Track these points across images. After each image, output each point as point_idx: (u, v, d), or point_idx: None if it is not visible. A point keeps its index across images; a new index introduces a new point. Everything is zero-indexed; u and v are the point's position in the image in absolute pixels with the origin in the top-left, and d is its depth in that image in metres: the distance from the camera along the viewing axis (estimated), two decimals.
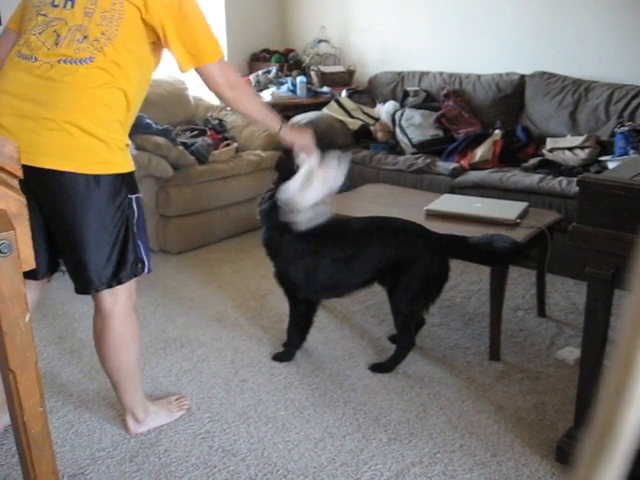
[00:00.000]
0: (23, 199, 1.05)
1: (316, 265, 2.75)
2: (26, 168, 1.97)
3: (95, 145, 2.02)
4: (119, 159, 2.11)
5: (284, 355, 3.00)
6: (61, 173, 1.99)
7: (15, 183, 1.03)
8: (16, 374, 1.06)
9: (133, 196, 2.18)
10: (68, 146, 1.99)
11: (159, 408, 2.54)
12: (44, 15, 2.09)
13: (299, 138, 2.56)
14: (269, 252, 2.87)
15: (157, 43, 2.15)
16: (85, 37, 2.02)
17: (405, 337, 2.90)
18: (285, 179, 2.64)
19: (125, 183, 2.14)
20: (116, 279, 2.17)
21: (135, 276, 2.23)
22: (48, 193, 2.03)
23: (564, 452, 2.25)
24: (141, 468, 2.30)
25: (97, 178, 2.04)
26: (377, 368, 2.89)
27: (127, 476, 2.26)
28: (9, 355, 1.05)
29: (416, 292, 2.80)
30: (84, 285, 2.17)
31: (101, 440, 2.46)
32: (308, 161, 2.55)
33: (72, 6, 2.06)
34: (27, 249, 1.04)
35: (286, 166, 2.68)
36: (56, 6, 2.08)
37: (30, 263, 1.05)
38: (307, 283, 2.81)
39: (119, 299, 2.23)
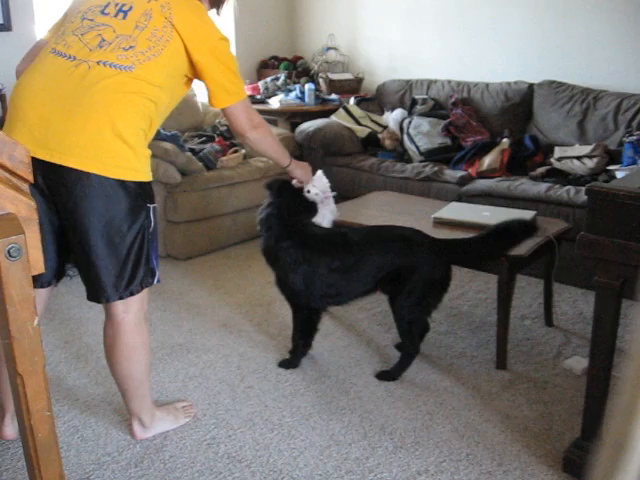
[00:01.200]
0: (33, 203, 1.05)
1: (313, 274, 2.78)
2: (52, 166, 1.98)
3: (124, 150, 2.03)
4: (144, 167, 2.12)
5: (290, 362, 3.00)
6: (87, 174, 1.99)
7: (26, 187, 1.04)
8: (24, 378, 1.06)
9: (151, 206, 2.19)
10: (98, 148, 2.00)
11: (165, 414, 2.54)
12: (90, 20, 2.11)
13: (303, 174, 2.80)
14: (268, 260, 2.91)
15: (190, 77, 2.24)
16: (131, 47, 2.04)
17: (409, 344, 2.90)
18: (281, 195, 2.87)
19: (146, 192, 2.15)
20: (128, 290, 2.17)
21: (146, 287, 2.23)
22: (71, 194, 2.02)
23: (571, 462, 2.24)
24: (146, 474, 2.30)
25: (122, 183, 2.05)
26: (383, 376, 2.89)
27: None
28: (17, 359, 1.05)
29: (418, 299, 2.80)
30: (96, 293, 2.17)
31: (107, 445, 2.46)
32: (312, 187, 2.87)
33: (124, 17, 2.09)
34: (37, 253, 1.04)
35: (283, 187, 2.88)
36: (106, 14, 2.11)
37: (40, 267, 1.05)
38: (306, 291, 2.82)
39: (131, 308, 2.22)
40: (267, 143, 2.49)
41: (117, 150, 2.02)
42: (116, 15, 2.10)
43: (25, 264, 1.01)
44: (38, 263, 1.05)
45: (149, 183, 2.17)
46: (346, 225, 3.36)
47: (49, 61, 2.08)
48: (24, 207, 1.03)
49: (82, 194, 2.01)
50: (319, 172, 2.91)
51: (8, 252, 0.99)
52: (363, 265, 2.79)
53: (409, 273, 2.77)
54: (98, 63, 2.02)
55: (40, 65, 2.10)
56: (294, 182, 2.84)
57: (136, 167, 2.08)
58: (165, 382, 2.87)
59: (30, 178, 1.03)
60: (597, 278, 2.02)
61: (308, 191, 2.85)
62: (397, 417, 2.61)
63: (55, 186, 2.02)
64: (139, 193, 2.10)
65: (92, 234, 2.06)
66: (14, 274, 1.00)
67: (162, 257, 4.20)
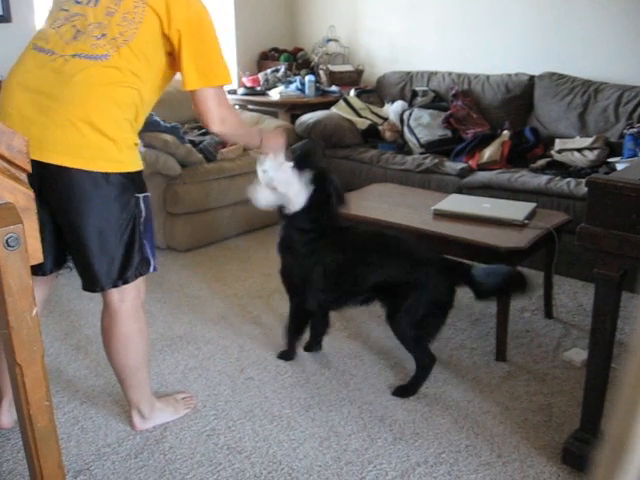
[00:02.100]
0: (31, 193, 1.05)
1: (314, 269, 2.72)
2: (35, 163, 1.98)
3: (104, 143, 2.02)
4: (127, 158, 2.10)
5: (286, 354, 2.99)
6: (69, 170, 1.99)
7: (24, 177, 1.03)
8: (23, 367, 1.06)
9: (141, 195, 2.18)
10: (77, 143, 1.99)
11: (165, 405, 2.54)
12: (66, 10, 2.09)
13: (276, 144, 2.64)
14: (280, 248, 2.84)
15: (174, 55, 2.14)
16: (104, 35, 2.02)
17: (420, 357, 2.74)
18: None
19: (133, 182, 2.14)
20: (122, 278, 2.17)
21: (141, 275, 2.23)
22: (55, 190, 2.03)
23: (570, 454, 2.24)
24: (146, 464, 2.30)
25: (105, 176, 2.04)
26: (400, 392, 2.73)
27: (132, 472, 2.27)
28: (16, 349, 1.05)
29: (418, 318, 2.65)
30: (90, 283, 2.18)
31: (107, 436, 2.46)
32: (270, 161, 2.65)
33: (95, 4, 2.06)
34: (35, 243, 1.04)
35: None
36: (79, 3, 2.08)
37: (38, 257, 1.05)
38: (306, 286, 2.77)
39: (127, 296, 2.23)
40: (234, 137, 2.49)
41: (97, 144, 2.01)
42: (88, 3, 2.07)
43: (23, 254, 1.00)
44: (36, 253, 1.05)
45: (138, 172, 2.16)
46: (345, 216, 3.36)
47: (30, 57, 2.08)
48: (22, 197, 1.03)
49: (65, 189, 2.02)
50: (281, 158, 2.66)
51: (6, 242, 0.98)
52: (359, 270, 2.70)
53: (410, 290, 2.64)
54: (73, 56, 2.01)
55: (22, 62, 2.10)
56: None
57: (119, 158, 2.06)
58: (165, 373, 2.87)
59: (28, 168, 1.03)
60: (597, 270, 2.02)
61: (263, 171, 2.67)
62: (396, 408, 2.62)
63: (41, 182, 2.02)
64: (125, 184, 2.09)
65: (81, 227, 2.06)
66: (12, 264, 1.00)
67: (162, 249, 4.20)
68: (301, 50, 6.00)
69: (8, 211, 1.00)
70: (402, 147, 4.71)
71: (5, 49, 4.19)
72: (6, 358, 1.08)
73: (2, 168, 1.01)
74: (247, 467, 2.29)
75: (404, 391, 2.72)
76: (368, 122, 4.99)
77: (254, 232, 4.63)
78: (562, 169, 4.05)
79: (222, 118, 2.22)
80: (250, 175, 4.55)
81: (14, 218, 0.99)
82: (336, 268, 2.71)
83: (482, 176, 4.11)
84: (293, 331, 2.96)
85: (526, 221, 3.06)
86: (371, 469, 2.28)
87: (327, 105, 5.18)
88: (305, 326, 2.97)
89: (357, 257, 2.71)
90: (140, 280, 2.24)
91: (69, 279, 3.87)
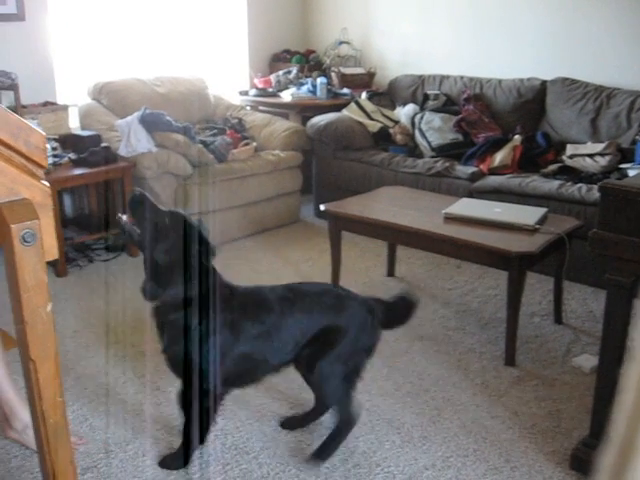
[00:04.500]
0: (48, 189, 1.05)
1: (230, 344, 2.18)
2: None
3: None
4: None
5: (172, 460, 2.32)
6: None
7: (40, 173, 1.04)
8: (36, 363, 1.07)
9: None
10: None
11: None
12: None
13: None
14: (158, 323, 2.25)
15: None
16: None
17: (349, 408, 2.33)
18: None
19: None
20: None
21: None
22: None
23: (579, 460, 2.24)
24: (153, 463, 2.31)
25: None
26: (317, 456, 2.33)
27: (140, 471, 2.27)
28: (30, 344, 1.06)
29: (345, 363, 2.28)
30: None
31: (115, 434, 2.47)
32: None
33: None
34: (50, 239, 1.05)
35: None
36: None
37: (53, 253, 1.06)
38: (213, 368, 2.17)
39: None
40: None
41: None
42: None
43: (39, 249, 1.01)
44: (52, 249, 1.05)
45: None
46: (355, 219, 3.37)
47: None
48: (39, 193, 1.03)
49: None
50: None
51: (23, 237, 0.99)
52: (286, 327, 2.24)
53: (337, 335, 2.25)
54: None
55: None
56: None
57: None
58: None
59: (45, 164, 1.03)
60: (609, 276, 2.01)
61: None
62: (405, 411, 2.61)
63: None
64: None
65: None
66: (28, 259, 1.00)
67: None
68: (313, 52, 6.00)
69: (25, 207, 1.01)
70: (413, 150, 4.71)
71: (19, 47, 4.23)
72: (20, 354, 1.08)
73: (19, 164, 1.02)
74: (254, 467, 2.29)
75: (321, 454, 2.32)
76: (379, 125, 4.99)
77: (264, 233, 4.63)
78: (573, 174, 4.04)
79: None
80: (260, 176, 4.59)
81: (31, 214, 1.00)
82: (259, 334, 2.22)
83: (493, 180, 4.10)
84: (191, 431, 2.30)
85: (537, 226, 3.05)
86: (379, 472, 2.28)
87: (338, 107, 5.18)
88: (210, 423, 2.31)
89: (279, 312, 2.24)
90: None
91: (79, 277, 3.88)
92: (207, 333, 2.13)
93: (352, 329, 2.26)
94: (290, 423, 2.53)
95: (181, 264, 2.13)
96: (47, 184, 1.05)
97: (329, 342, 2.24)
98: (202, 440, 2.29)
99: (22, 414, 2.32)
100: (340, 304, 2.29)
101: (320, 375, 2.26)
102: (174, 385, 2.49)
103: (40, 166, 1.03)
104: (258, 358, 2.24)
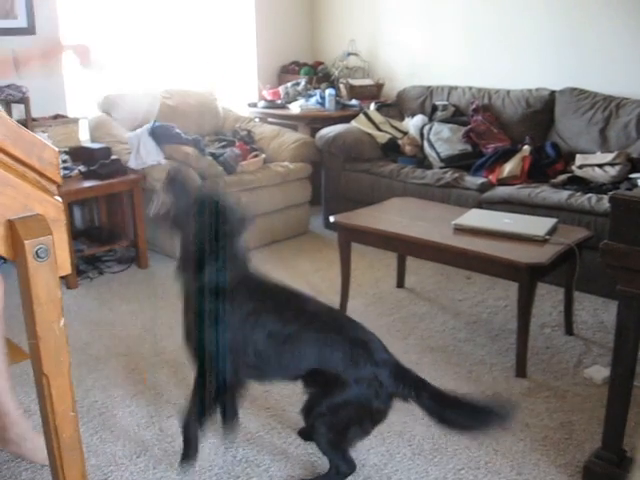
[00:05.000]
0: (61, 204, 1.06)
1: (249, 334, 2.14)
2: None
3: None
4: None
5: (185, 455, 2.33)
6: None
7: (54, 189, 1.05)
8: (49, 378, 1.07)
9: None
10: None
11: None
12: None
13: None
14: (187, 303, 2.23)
15: None
16: None
17: (338, 462, 2.21)
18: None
19: None
20: None
21: None
22: None
23: (592, 473, 2.22)
24: (164, 476, 2.31)
25: None
26: None
27: None
28: (43, 359, 1.06)
29: (346, 421, 2.13)
30: None
31: (125, 447, 2.47)
32: None
33: None
34: (64, 254, 1.05)
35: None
36: None
37: (66, 268, 1.06)
38: (232, 356, 2.14)
39: None
40: None
41: None
42: None
43: (53, 265, 1.02)
44: (65, 264, 1.06)
45: None
46: (365, 230, 3.36)
47: None
48: (52, 208, 1.04)
49: None
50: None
51: (36, 253, 1.00)
52: (300, 344, 2.14)
53: (339, 386, 2.10)
54: None
55: None
56: None
57: None
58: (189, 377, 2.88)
59: (58, 179, 1.04)
60: (620, 287, 2.00)
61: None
62: (415, 424, 2.60)
63: None
64: None
65: None
66: (42, 275, 1.01)
67: None
68: (321, 64, 6.02)
69: (38, 222, 1.02)
70: (422, 161, 4.71)
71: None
72: (33, 368, 1.09)
73: (33, 180, 1.03)
74: (282, 467, 2.29)
75: None
76: (388, 136, 5.00)
77: (273, 245, 4.64)
78: (583, 185, 4.03)
79: None
80: (270, 188, 4.59)
81: (44, 230, 1.01)
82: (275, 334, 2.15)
83: (502, 191, 4.10)
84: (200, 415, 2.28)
85: (547, 237, 3.05)
86: None
87: (347, 119, 5.20)
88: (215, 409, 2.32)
89: (300, 325, 2.16)
90: None
91: (88, 289, 3.90)
92: (229, 318, 2.10)
93: (359, 388, 2.08)
94: (307, 433, 2.43)
95: (211, 246, 2.09)
96: (60, 200, 1.06)
97: (329, 388, 2.11)
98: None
99: (20, 426, 2.33)
100: (357, 358, 2.11)
101: (312, 424, 2.16)
102: (185, 398, 2.48)
103: (53, 182, 1.04)
104: (271, 359, 2.16)
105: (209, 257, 2.10)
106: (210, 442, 2.48)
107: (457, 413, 2.08)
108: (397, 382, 2.11)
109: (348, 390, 2.08)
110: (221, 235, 2.11)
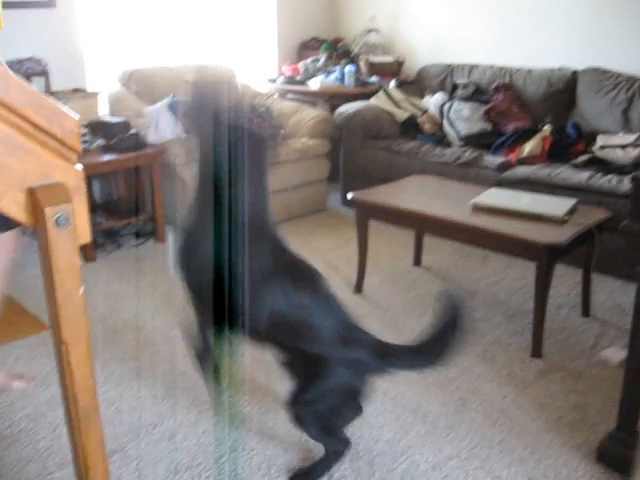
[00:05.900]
0: (81, 173, 1.06)
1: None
2: None
3: None
4: None
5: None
6: None
7: (74, 157, 1.05)
8: (68, 345, 1.08)
9: None
10: None
11: None
12: None
13: None
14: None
15: None
16: None
17: (332, 444, 2.20)
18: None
19: None
20: None
21: None
22: None
23: (606, 454, 2.22)
24: (179, 447, 2.33)
25: None
26: (297, 476, 2.21)
27: (165, 454, 2.29)
28: (62, 327, 1.07)
29: (335, 407, 2.12)
30: None
31: (141, 418, 2.49)
32: None
33: None
34: (83, 222, 1.06)
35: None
36: None
37: (86, 236, 1.07)
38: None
39: None
40: None
41: None
42: None
43: (72, 233, 1.02)
44: (85, 232, 1.06)
45: None
46: (383, 207, 3.36)
47: None
48: (72, 176, 1.04)
49: None
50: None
51: (56, 221, 1.00)
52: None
53: (327, 372, 2.05)
54: None
55: None
56: None
57: None
58: None
59: (78, 147, 1.04)
60: (639, 269, 1.99)
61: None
62: (430, 401, 2.61)
63: None
64: None
65: None
66: (61, 243, 1.01)
67: None
68: (341, 40, 5.98)
69: (58, 190, 1.02)
70: (441, 139, 4.68)
71: (50, 34, 4.26)
72: (53, 336, 1.10)
73: (54, 147, 1.03)
74: (279, 453, 2.31)
75: (305, 476, 2.20)
76: (407, 114, 4.96)
77: (291, 221, 4.63)
78: (603, 166, 3.99)
79: None
80: (287, 164, 4.58)
81: (64, 197, 1.01)
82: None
83: (522, 171, 4.07)
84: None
85: (566, 217, 3.02)
86: (403, 460, 2.28)
87: (367, 96, 5.17)
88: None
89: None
90: None
91: (106, 261, 3.92)
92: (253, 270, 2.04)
93: (343, 372, 2.06)
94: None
95: (230, 171, 1.98)
96: (80, 168, 1.06)
97: (316, 373, 2.05)
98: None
99: None
100: (347, 338, 2.08)
101: (295, 412, 2.11)
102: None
103: (74, 150, 1.04)
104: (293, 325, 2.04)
105: (227, 184, 1.98)
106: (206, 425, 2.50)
107: (431, 351, 2.16)
108: (379, 359, 2.12)
109: (332, 375, 2.04)
110: (240, 157, 1.99)
